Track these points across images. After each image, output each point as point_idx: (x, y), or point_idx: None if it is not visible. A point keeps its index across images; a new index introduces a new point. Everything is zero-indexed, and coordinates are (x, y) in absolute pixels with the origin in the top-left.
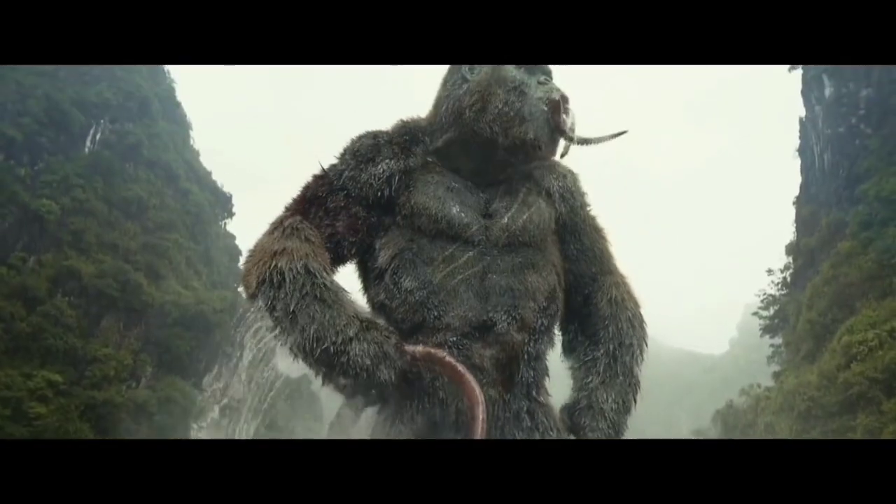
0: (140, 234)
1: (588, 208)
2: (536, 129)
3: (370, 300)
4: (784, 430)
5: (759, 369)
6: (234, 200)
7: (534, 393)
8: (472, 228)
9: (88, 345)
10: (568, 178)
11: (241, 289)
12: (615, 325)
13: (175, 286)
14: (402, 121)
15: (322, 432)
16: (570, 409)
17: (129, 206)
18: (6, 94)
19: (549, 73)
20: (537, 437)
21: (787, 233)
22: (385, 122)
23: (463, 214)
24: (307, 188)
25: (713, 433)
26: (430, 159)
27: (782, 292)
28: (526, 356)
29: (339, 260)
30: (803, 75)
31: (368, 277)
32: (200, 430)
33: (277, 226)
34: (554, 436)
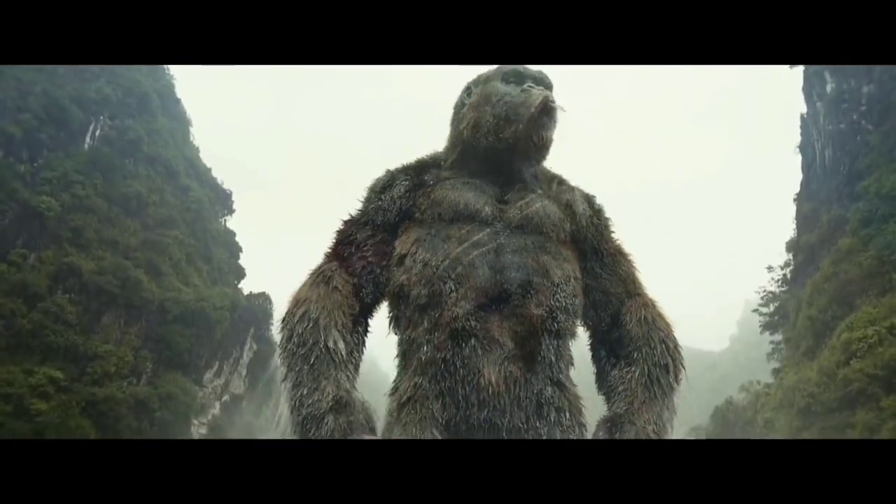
0: (140, 231)
1: (613, 231)
2: (522, 125)
3: (391, 291)
4: (783, 426)
5: (759, 366)
6: (234, 197)
7: (559, 375)
8: (487, 209)
9: (89, 341)
10: (591, 200)
11: None
12: (648, 345)
13: (175, 283)
14: (417, 158)
15: None
16: (609, 423)
17: (129, 202)
18: (6, 90)
19: (538, 79)
20: (558, 434)
21: (788, 229)
22: (385, 121)
23: (479, 198)
24: (340, 232)
25: (712, 429)
26: (444, 173)
27: (782, 289)
28: (546, 334)
29: (378, 286)
30: (805, 72)
31: (391, 273)
32: (201, 427)
33: (314, 273)
34: (575, 435)
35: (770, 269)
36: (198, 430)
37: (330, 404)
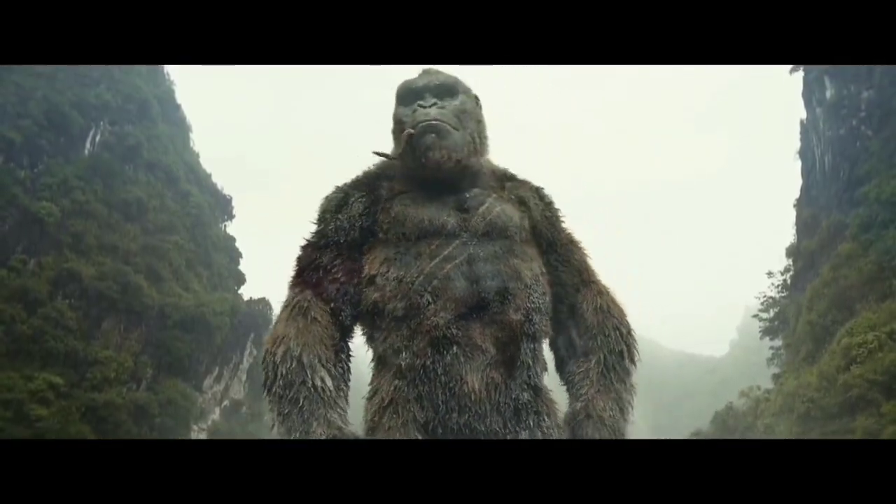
0: (140, 236)
1: (563, 221)
2: (409, 157)
3: (365, 309)
4: (783, 431)
5: (759, 371)
6: (234, 202)
7: (535, 380)
8: (451, 222)
9: (89, 347)
10: (540, 191)
11: None
12: (603, 333)
13: (175, 288)
14: (363, 170)
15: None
16: (570, 421)
17: (129, 208)
18: (5, 96)
19: (427, 89)
20: (539, 437)
21: (788, 235)
22: (385, 121)
23: (441, 212)
24: (299, 259)
25: (713, 434)
26: (396, 185)
27: (782, 294)
28: (525, 338)
29: (354, 306)
30: (804, 77)
31: (363, 293)
32: (201, 432)
33: (287, 305)
34: (555, 435)
35: (770, 274)
36: (198, 436)
37: None
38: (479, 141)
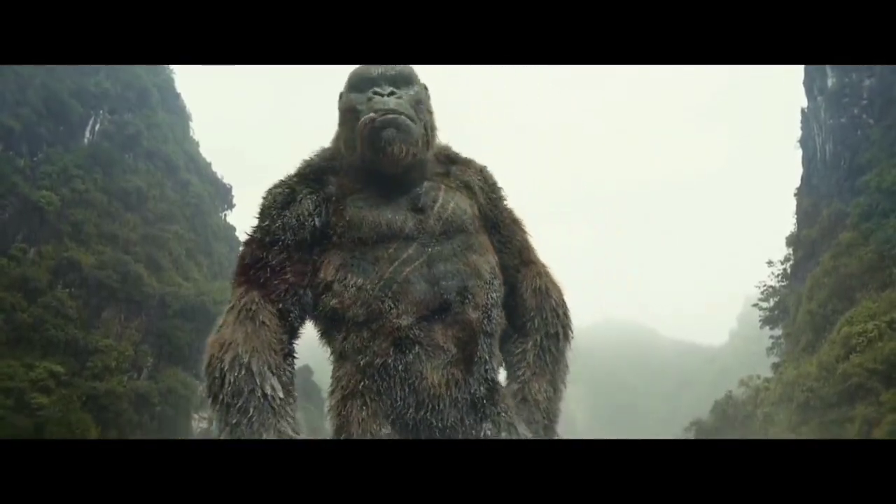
0: (140, 226)
1: (505, 201)
2: (367, 148)
3: (322, 314)
4: (783, 420)
5: (759, 360)
6: (234, 192)
7: (491, 374)
8: (408, 224)
9: (89, 336)
10: (484, 172)
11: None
12: (540, 315)
13: (175, 277)
14: (304, 160)
15: (322, 422)
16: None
17: (129, 197)
18: (4, 84)
19: (383, 78)
20: (501, 427)
21: (788, 224)
22: None
23: (397, 214)
24: (243, 256)
25: (712, 423)
26: (345, 181)
27: (782, 284)
28: (482, 335)
29: (303, 308)
30: (806, 67)
31: (318, 299)
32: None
33: (233, 307)
34: (508, 433)
35: (770, 263)
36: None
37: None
38: (430, 133)
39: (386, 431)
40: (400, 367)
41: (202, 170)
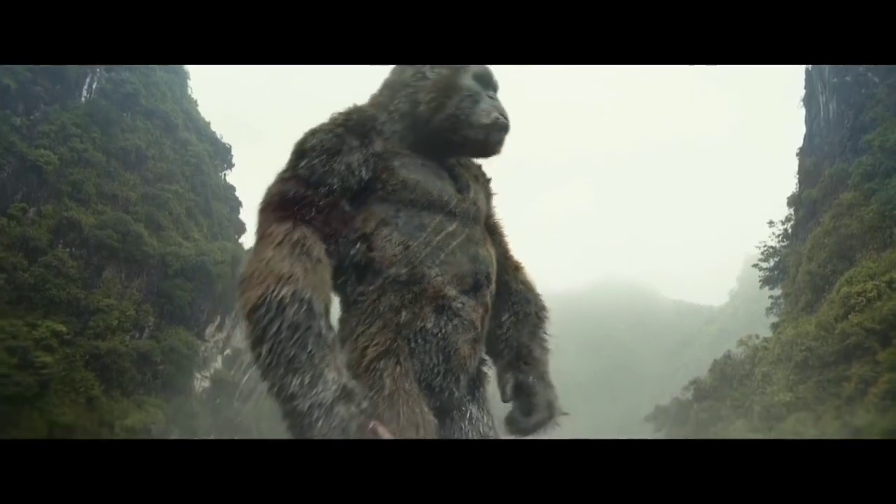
0: (139, 185)
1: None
2: (479, 135)
3: (353, 264)
4: (781, 379)
5: (758, 320)
6: (233, 151)
7: (482, 354)
8: (454, 200)
9: (91, 295)
10: (482, 168)
11: (240, 301)
12: (536, 301)
13: (176, 237)
14: (343, 113)
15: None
16: (532, 400)
17: (128, 156)
18: None
19: (497, 90)
20: (482, 407)
21: (790, 185)
22: (383, 75)
23: (445, 188)
24: (285, 191)
25: (710, 383)
26: (389, 143)
27: (783, 244)
28: (487, 319)
29: (341, 258)
30: None
31: (353, 248)
32: (204, 380)
33: (281, 241)
34: (485, 412)
35: (771, 223)
36: (201, 384)
37: (337, 393)
38: None
39: (415, 391)
40: (438, 334)
41: (201, 129)
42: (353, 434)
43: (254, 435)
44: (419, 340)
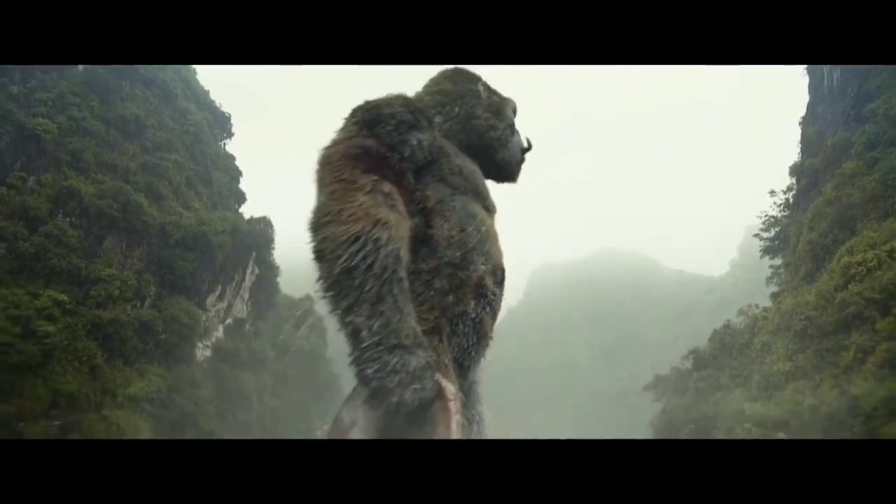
0: (139, 154)
1: None
2: (511, 164)
3: (412, 234)
4: (780, 349)
5: (759, 290)
6: (232, 121)
7: None
8: (490, 198)
9: (92, 265)
10: None
11: (319, 232)
12: None
13: (176, 207)
14: (407, 97)
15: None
16: None
17: (127, 125)
18: None
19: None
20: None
21: (793, 154)
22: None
23: (485, 184)
24: (368, 146)
25: (710, 352)
26: (441, 137)
27: (784, 213)
28: None
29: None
30: None
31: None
32: (206, 349)
33: (371, 190)
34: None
35: (773, 193)
36: (202, 353)
37: (417, 339)
38: None
39: (452, 368)
40: (475, 319)
41: (200, 98)
42: (424, 381)
43: (255, 404)
44: (459, 324)
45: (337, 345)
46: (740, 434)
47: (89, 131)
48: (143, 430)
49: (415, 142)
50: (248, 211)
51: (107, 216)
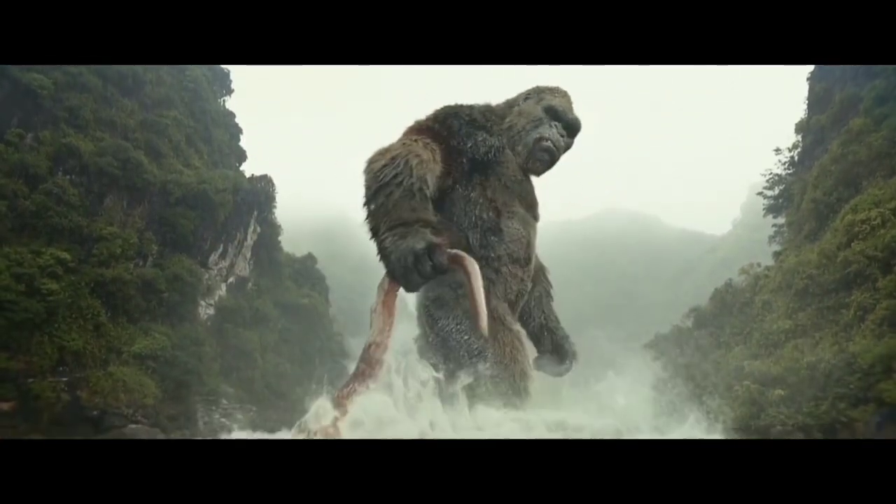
0: (137, 111)
1: None
2: (523, 152)
3: (478, 218)
4: (781, 307)
5: (761, 249)
6: (231, 77)
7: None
8: (538, 208)
9: (93, 223)
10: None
11: (377, 158)
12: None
13: (176, 165)
14: (485, 105)
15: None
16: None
17: (125, 80)
18: None
19: (569, 127)
20: None
21: (799, 111)
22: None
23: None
24: (433, 126)
25: (710, 310)
26: (500, 155)
27: (789, 172)
28: None
29: (429, 195)
30: None
31: (470, 203)
32: (209, 308)
33: (422, 143)
34: None
35: (778, 151)
36: (205, 311)
37: (418, 224)
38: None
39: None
40: (517, 304)
41: None
42: (436, 248)
43: (258, 361)
44: (500, 271)
45: (339, 304)
46: (738, 391)
47: (86, 87)
48: (149, 386)
49: (480, 138)
50: (249, 169)
51: (107, 174)
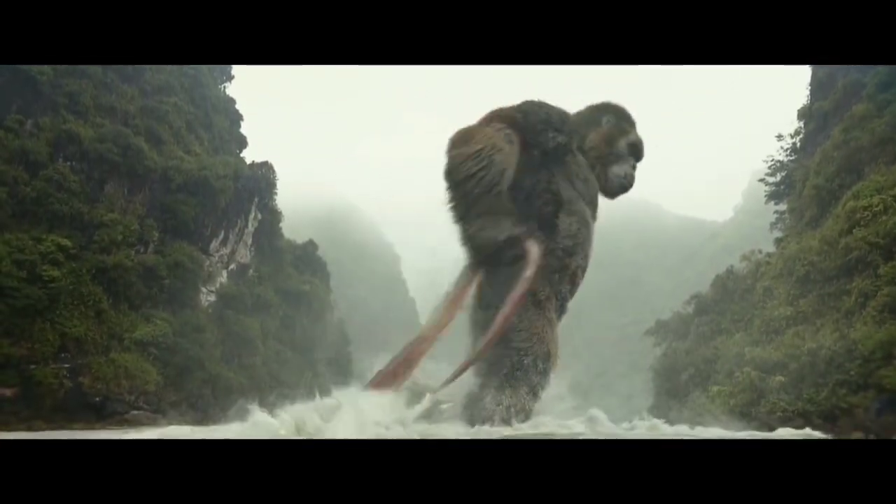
0: (137, 97)
1: None
2: (607, 186)
3: (540, 205)
4: (782, 294)
5: (763, 236)
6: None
7: None
8: (596, 206)
9: (94, 210)
10: None
11: (464, 143)
12: None
13: (177, 151)
14: (568, 113)
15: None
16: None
17: (124, 67)
18: None
19: (639, 159)
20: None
21: (802, 98)
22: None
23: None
24: (513, 116)
25: (711, 296)
26: (573, 155)
27: (791, 158)
28: None
29: (527, 194)
30: None
31: (534, 188)
32: (210, 295)
33: (503, 134)
34: None
35: (780, 137)
36: (207, 298)
37: (502, 216)
38: None
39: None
40: (564, 297)
41: None
42: (514, 237)
43: (259, 348)
44: (557, 297)
45: (340, 290)
46: (739, 377)
47: (86, 73)
48: (151, 373)
49: (551, 135)
50: (249, 156)
51: (107, 160)
